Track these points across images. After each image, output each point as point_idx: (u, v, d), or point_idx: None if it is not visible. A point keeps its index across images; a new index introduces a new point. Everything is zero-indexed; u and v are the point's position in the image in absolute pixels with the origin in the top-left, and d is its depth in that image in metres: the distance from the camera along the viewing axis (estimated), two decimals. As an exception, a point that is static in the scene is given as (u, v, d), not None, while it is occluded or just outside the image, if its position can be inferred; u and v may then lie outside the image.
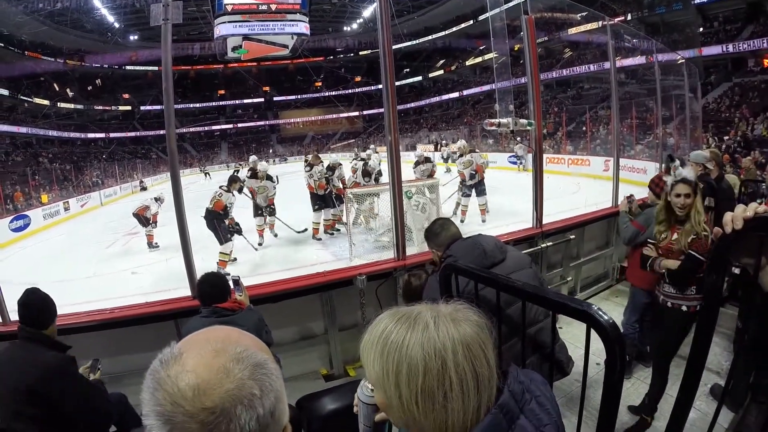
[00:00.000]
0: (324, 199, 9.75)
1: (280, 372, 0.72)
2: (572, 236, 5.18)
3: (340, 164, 10.74)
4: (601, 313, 1.32)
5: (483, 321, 0.87)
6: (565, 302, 1.45)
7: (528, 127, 4.65)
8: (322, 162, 10.09)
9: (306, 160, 10.40)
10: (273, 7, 16.49)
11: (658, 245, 3.20)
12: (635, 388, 3.64)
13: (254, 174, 9.48)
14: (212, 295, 2.74)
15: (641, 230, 3.71)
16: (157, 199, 10.63)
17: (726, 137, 19.34)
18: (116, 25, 38.12)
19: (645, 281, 3.77)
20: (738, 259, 1.24)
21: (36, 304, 2.45)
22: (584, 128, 25.79)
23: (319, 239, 9.53)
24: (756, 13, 24.85)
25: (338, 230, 10.16)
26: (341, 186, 10.29)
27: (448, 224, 2.57)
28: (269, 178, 9.59)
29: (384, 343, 0.83)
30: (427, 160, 10.86)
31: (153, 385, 0.64)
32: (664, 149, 12.13)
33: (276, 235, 9.91)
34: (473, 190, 9.91)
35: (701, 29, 27.52)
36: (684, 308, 3.03)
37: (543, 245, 4.77)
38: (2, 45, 32.02)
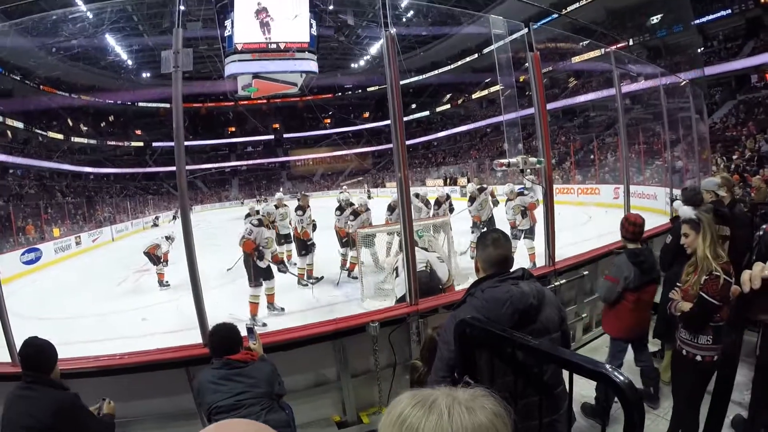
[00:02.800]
0: (307, 246, 9.44)
1: None
2: (585, 272, 5.14)
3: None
4: (617, 374, 1.29)
5: (501, 409, 0.85)
6: (580, 363, 1.42)
7: (537, 165, 4.66)
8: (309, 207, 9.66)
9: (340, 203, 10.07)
10: (282, 45, 16.82)
11: (682, 288, 3.05)
12: (656, 425, 3.55)
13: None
14: (224, 347, 2.73)
15: (615, 282, 3.61)
16: (167, 238, 10.65)
17: (734, 156, 19.22)
18: (129, 62, 39.02)
19: (621, 331, 3.76)
20: (755, 316, 1.22)
21: (38, 353, 2.58)
22: (592, 156, 25.81)
23: (305, 285, 9.05)
24: (755, 29, 25.08)
25: (316, 279, 9.35)
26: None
27: (500, 241, 2.22)
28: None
29: (399, 428, 0.82)
30: (447, 197, 10.75)
31: None
32: (673, 173, 12.08)
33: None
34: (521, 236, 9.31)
35: (702, 48, 27.73)
36: (698, 358, 2.88)
37: (556, 283, 4.72)
38: (18, 79, 32.75)
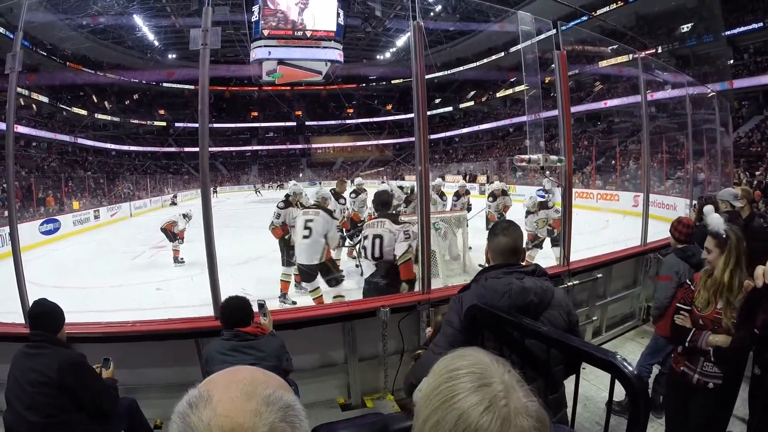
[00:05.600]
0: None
1: (305, 412, 0.71)
2: (599, 275, 5.11)
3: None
4: (626, 363, 1.29)
5: None
6: (589, 351, 1.42)
7: (558, 164, 4.63)
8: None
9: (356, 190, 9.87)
10: (308, 33, 16.91)
11: (701, 315, 2.65)
12: (660, 435, 3.53)
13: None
14: (235, 319, 2.75)
15: (669, 279, 3.62)
16: (185, 216, 10.75)
17: (757, 172, 18.91)
18: (156, 43, 39.38)
19: (666, 327, 3.71)
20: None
21: (48, 313, 2.68)
22: (614, 162, 25.56)
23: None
24: (789, 44, 24.60)
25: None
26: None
27: (509, 231, 2.17)
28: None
29: (443, 380, 0.80)
30: (467, 192, 10.80)
31: (183, 428, 0.63)
32: (694, 185, 11.93)
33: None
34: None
35: (732, 61, 27.38)
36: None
37: (569, 284, 4.69)
38: (44, 54, 33.20)
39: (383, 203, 4.72)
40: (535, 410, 0.77)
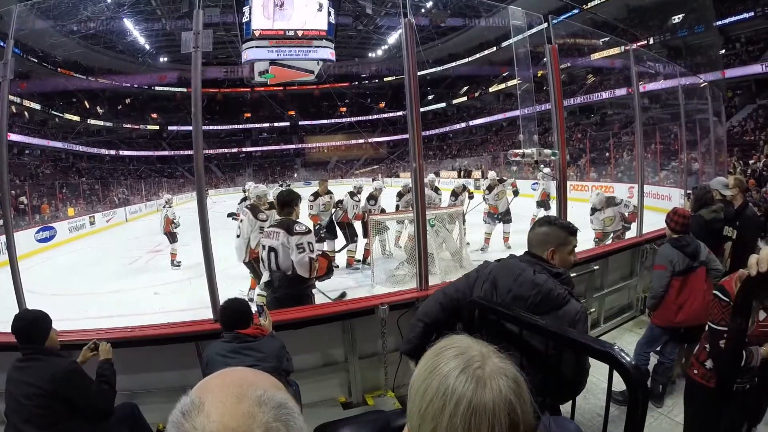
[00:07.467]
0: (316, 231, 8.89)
1: (299, 408, 0.71)
2: (596, 267, 5.13)
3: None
4: (623, 354, 1.31)
5: (516, 400, 0.78)
6: (587, 342, 1.44)
7: (552, 157, 4.65)
8: (330, 193, 9.40)
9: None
10: (300, 33, 16.81)
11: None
12: (658, 423, 3.55)
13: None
14: (235, 321, 2.75)
15: (663, 269, 3.68)
16: (166, 202, 10.97)
17: (751, 161, 18.96)
18: (147, 47, 39.19)
19: (662, 317, 3.79)
20: (762, 301, 1.22)
21: (29, 324, 2.63)
22: (608, 154, 25.60)
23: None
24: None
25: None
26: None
27: (542, 226, 2.21)
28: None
29: (431, 357, 0.86)
30: (464, 188, 10.82)
31: None
32: (689, 175, 11.97)
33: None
34: (499, 219, 9.91)
35: (724, 51, 27.50)
36: None
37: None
38: (36, 61, 33.05)
39: (283, 204, 4.34)
40: (511, 372, 0.82)
